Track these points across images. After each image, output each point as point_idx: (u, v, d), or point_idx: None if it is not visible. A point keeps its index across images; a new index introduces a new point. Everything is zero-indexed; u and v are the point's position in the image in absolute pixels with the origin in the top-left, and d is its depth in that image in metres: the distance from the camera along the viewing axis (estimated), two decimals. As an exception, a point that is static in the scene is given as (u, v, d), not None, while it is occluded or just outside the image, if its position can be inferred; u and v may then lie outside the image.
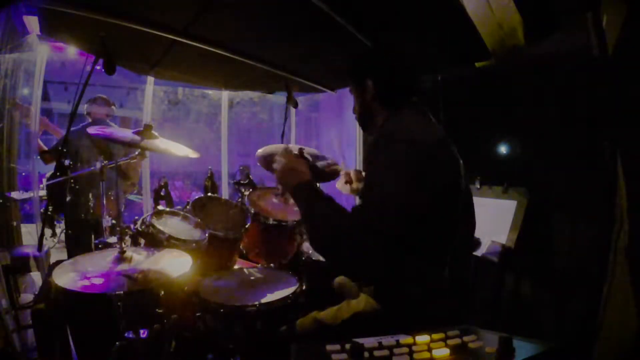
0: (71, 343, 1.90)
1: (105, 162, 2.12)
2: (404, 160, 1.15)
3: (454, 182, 1.27)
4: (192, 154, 2.11)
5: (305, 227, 1.26)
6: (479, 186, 2.42)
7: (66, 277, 1.43)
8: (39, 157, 3.24)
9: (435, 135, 1.27)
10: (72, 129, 2.06)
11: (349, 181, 2.02)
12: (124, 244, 1.66)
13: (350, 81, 1.46)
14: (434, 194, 1.16)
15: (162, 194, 2.60)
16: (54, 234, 5.17)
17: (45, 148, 3.22)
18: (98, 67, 1.91)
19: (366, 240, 1.10)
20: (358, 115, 1.47)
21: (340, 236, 1.15)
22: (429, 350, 0.76)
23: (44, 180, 3.93)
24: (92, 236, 2.91)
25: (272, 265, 2.14)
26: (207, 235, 2.01)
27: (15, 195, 3.00)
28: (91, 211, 2.99)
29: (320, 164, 2.39)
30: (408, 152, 1.16)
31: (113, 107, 3.45)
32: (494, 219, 2.22)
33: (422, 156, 1.17)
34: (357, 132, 4.23)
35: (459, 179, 1.29)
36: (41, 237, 2.18)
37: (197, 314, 1.78)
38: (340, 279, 1.77)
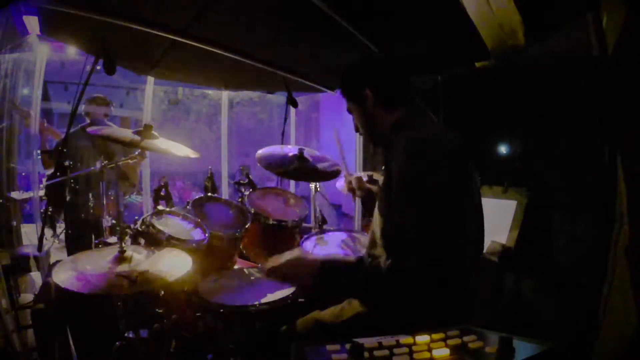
0: (71, 343, 1.90)
1: (105, 162, 2.12)
2: (433, 182, 1.15)
3: (471, 190, 1.30)
4: (192, 154, 2.11)
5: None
6: (479, 186, 2.42)
7: (66, 277, 1.43)
8: (39, 156, 3.24)
9: (454, 140, 1.29)
10: (71, 129, 2.07)
11: (352, 190, 2.03)
12: (124, 244, 1.66)
13: (347, 99, 1.45)
14: (462, 209, 1.19)
15: (162, 194, 2.60)
16: (54, 234, 5.17)
17: (47, 147, 3.22)
18: (98, 67, 1.92)
19: (406, 283, 1.15)
20: (364, 129, 1.46)
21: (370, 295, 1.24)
22: (429, 350, 0.76)
23: (44, 180, 3.93)
24: (92, 236, 2.91)
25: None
26: (207, 235, 2.01)
27: (15, 195, 3.00)
28: (91, 211, 2.99)
29: (321, 165, 2.40)
30: (434, 171, 1.16)
31: (111, 107, 3.45)
32: (494, 219, 2.22)
33: (450, 173, 1.18)
34: (357, 134, 4.23)
35: (474, 183, 1.33)
36: (41, 237, 2.19)
37: (197, 314, 1.78)
38: None
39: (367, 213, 2.11)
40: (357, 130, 1.50)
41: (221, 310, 1.63)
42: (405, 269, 1.14)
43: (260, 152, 2.40)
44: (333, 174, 2.41)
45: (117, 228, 1.79)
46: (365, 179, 2.20)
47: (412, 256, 1.13)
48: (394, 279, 1.15)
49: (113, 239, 2.16)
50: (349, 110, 1.48)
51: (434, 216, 1.13)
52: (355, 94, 1.40)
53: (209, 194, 2.50)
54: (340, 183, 2.38)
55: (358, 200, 2.30)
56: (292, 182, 4.66)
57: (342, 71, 1.47)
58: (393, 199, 1.22)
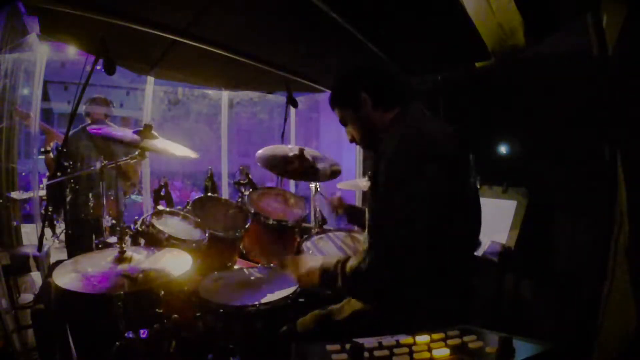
0: (71, 343, 1.90)
1: (105, 162, 2.12)
2: (423, 178, 1.15)
3: (465, 187, 1.30)
4: (192, 154, 2.11)
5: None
6: (479, 186, 2.42)
7: (66, 277, 1.43)
8: (39, 156, 3.24)
9: (449, 137, 1.28)
10: (71, 129, 2.07)
11: (334, 209, 2.18)
12: (124, 244, 1.66)
13: (341, 107, 1.44)
14: (450, 205, 1.18)
15: (162, 194, 2.59)
16: (54, 234, 5.17)
17: (49, 149, 3.21)
18: (98, 67, 1.91)
19: (389, 278, 1.15)
20: (360, 135, 1.43)
21: (366, 291, 1.23)
22: (429, 350, 0.76)
23: (44, 180, 3.93)
24: (92, 236, 2.91)
25: (272, 265, 2.14)
26: (207, 235, 2.01)
27: (15, 195, 3.00)
28: (91, 211, 2.99)
29: (321, 166, 2.40)
30: (425, 167, 1.16)
31: (112, 107, 3.44)
32: (494, 219, 2.22)
33: (438, 168, 1.17)
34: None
35: (470, 180, 1.32)
36: (41, 237, 2.18)
37: (197, 314, 1.78)
38: None
39: (355, 224, 2.20)
40: (351, 140, 1.47)
41: (221, 310, 1.63)
42: (381, 261, 1.16)
43: (260, 152, 2.40)
44: (333, 174, 2.41)
45: (117, 228, 1.78)
46: (365, 180, 2.21)
47: (388, 241, 1.16)
48: (375, 276, 1.17)
49: (113, 239, 2.15)
50: (343, 122, 1.46)
51: (413, 207, 1.14)
52: (351, 100, 1.39)
53: (209, 194, 2.50)
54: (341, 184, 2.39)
55: (358, 200, 2.30)
56: (292, 182, 4.66)
57: (334, 83, 1.47)
58: (379, 191, 1.22)
